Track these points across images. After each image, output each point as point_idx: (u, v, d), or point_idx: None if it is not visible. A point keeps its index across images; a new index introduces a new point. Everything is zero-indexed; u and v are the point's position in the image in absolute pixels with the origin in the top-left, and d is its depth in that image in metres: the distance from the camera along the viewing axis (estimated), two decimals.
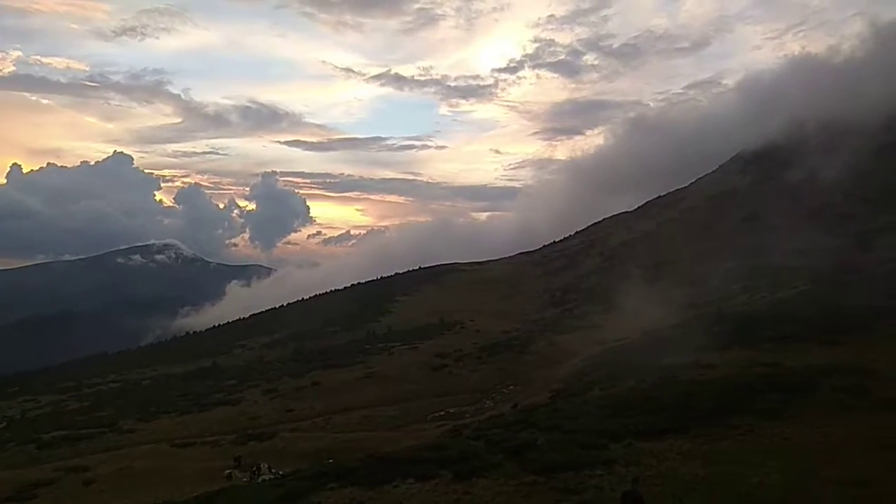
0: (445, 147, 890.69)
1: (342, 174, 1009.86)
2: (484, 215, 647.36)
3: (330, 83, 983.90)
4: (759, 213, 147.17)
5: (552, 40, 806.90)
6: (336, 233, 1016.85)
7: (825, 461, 33.77)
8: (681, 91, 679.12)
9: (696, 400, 43.30)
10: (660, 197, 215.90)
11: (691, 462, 35.41)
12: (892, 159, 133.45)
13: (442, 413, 74.56)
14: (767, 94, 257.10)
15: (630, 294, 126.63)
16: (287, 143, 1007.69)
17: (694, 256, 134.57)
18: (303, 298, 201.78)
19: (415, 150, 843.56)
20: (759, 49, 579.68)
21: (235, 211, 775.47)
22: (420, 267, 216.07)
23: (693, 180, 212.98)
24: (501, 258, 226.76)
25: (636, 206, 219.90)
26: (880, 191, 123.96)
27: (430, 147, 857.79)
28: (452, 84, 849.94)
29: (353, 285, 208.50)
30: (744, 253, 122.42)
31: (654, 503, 29.86)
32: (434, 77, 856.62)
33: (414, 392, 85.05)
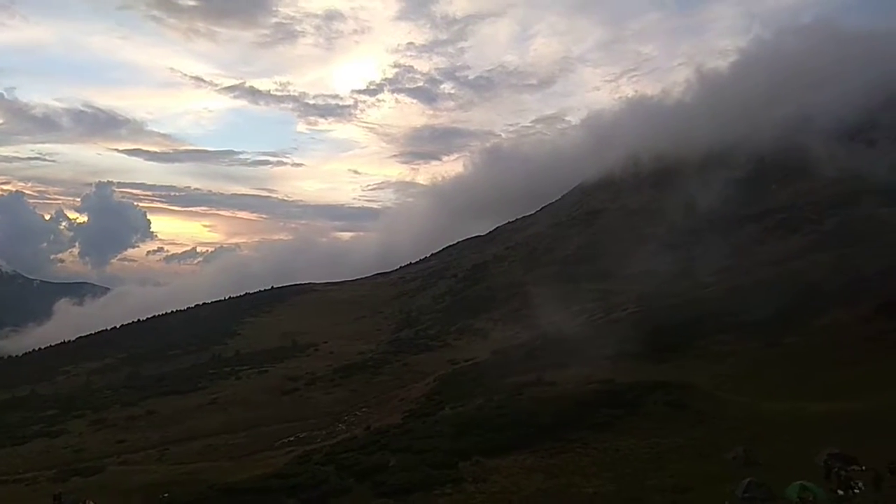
0: (302, 165, 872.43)
1: (188, 187, 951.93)
2: (347, 235, 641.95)
3: (178, 91, 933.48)
4: (597, 240, 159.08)
5: (412, 67, 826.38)
6: (180, 249, 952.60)
7: (651, 470, 36.95)
8: (529, 124, 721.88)
9: (538, 416, 45.64)
10: (510, 223, 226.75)
11: (534, 476, 37.22)
12: (714, 192, 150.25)
13: (292, 439, 72.19)
14: (607, 130, 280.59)
15: (480, 315, 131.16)
16: (127, 151, 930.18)
17: (538, 280, 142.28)
18: (139, 319, 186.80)
19: (270, 166, 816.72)
20: (599, 90, 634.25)
21: (64, 223, 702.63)
22: (273, 287, 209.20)
23: (540, 208, 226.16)
24: (358, 279, 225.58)
25: (488, 231, 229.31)
26: (702, 220, 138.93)
27: (286, 164, 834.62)
28: (311, 102, 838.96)
29: (198, 305, 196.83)
30: (582, 276, 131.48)
31: None
32: (292, 93, 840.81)
33: (262, 418, 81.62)
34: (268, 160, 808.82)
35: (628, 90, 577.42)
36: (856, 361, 54.82)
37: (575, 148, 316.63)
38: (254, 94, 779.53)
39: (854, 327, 63.39)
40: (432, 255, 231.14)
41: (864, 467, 30.71)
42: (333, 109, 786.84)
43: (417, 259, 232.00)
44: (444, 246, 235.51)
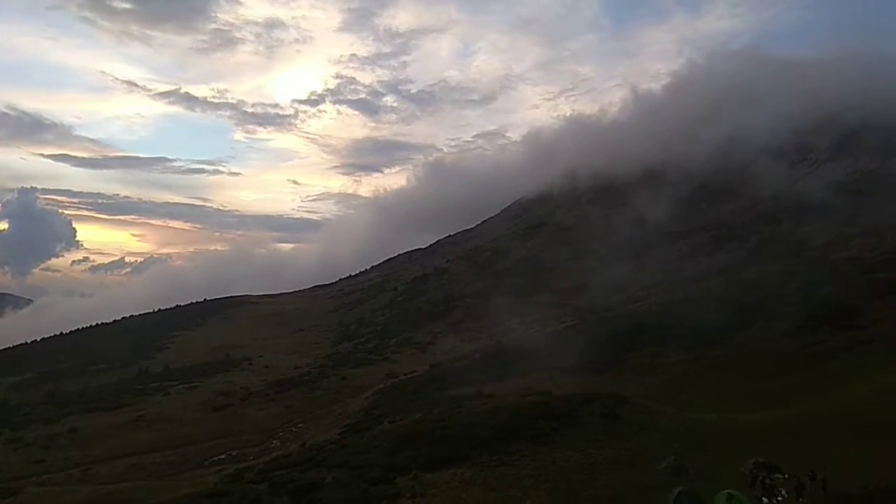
0: (240, 174, 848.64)
1: (117, 195, 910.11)
2: (287, 246, 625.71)
3: (109, 96, 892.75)
4: (535, 254, 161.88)
5: (354, 78, 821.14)
6: (107, 259, 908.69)
7: (587, 481, 37.49)
8: (471, 139, 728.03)
9: (477, 429, 45.73)
10: (451, 236, 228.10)
11: (472, 489, 37.17)
12: (648, 209, 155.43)
13: (223, 456, 69.94)
14: (547, 147, 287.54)
15: (420, 328, 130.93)
16: (53, 156, 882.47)
17: (478, 293, 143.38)
18: (62, 332, 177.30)
19: (205, 174, 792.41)
20: (538, 108, 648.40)
21: None
22: (205, 299, 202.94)
23: (480, 222, 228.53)
24: (296, 291, 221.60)
25: (429, 244, 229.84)
26: (636, 236, 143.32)
27: (222, 172, 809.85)
28: (249, 110, 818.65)
29: (125, 318, 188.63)
30: (521, 290, 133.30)
31: None
32: (230, 101, 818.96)
33: (192, 435, 78.69)
34: (203, 168, 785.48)
35: (566, 109, 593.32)
36: (778, 373, 57.48)
37: (515, 163, 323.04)
38: (189, 100, 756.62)
39: (777, 340, 66.55)
40: (373, 267, 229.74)
41: (786, 475, 32.01)
42: (273, 118, 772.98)
43: (358, 272, 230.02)
44: (385, 258, 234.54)
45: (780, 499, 28.57)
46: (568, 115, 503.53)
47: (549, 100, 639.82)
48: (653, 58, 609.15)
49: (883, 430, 36.74)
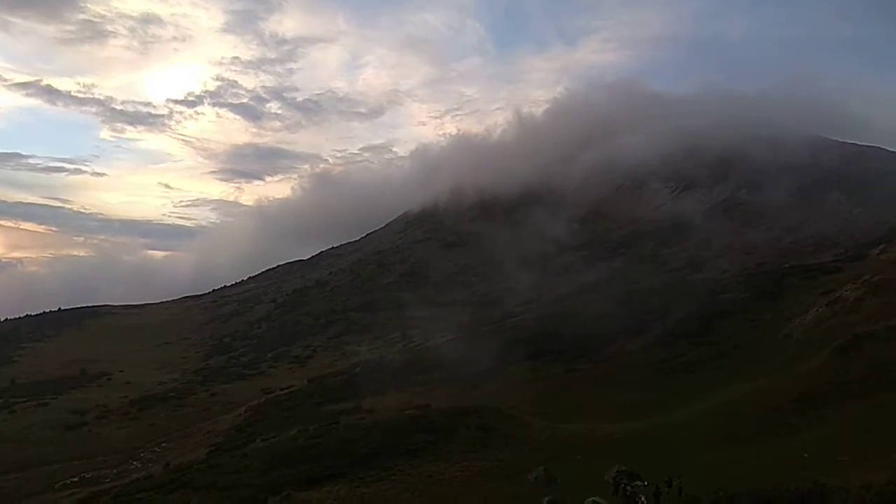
0: (104, 175, 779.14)
1: None
2: (160, 254, 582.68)
3: None
4: (418, 269, 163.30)
5: (236, 82, 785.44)
6: None
7: (462, 493, 38.11)
8: (357, 152, 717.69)
9: (354, 445, 45.19)
10: (334, 248, 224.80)
11: None
12: (525, 228, 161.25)
13: (75, 479, 64.13)
14: (433, 163, 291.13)
15: (299, 342, 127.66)
16: None
17: (360, 306, 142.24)
18: None
19: (65, 173, 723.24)
20: (425, 125, 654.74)
21: None
22: (60, 308, 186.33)
23: (364, 235, 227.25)
24: (164, 302, 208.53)
25: (311, 256, 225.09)
26: (514, 253, 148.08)
27: (84, 172, 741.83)
28: (118, 107, 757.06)
29: None
30: (403, 304, 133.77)
31: None
32: (96, 96, 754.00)
33: (40, 456, 71.48)
34: (63, 167, 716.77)
35: (452, 127, 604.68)
36: (640, 386, 61.47)
37: (402, 178, 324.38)
38: (51, 93, 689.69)
39: (639, 355, 71.27)
40: (250, 278, 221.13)
41: (646, 482, 34.20)
42: (144, 118, 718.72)
43: (234, 282, 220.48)
44: (264, 269, 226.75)
45: None
46: (454, 133, 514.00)
47: (436, 118, 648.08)
48: (534, 84, 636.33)
49: (732, 439, 40.33)
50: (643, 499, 31.48)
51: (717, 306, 76.47)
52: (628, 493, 32.50)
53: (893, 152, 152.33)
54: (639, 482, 34.85)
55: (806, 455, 33.18)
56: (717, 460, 36.00)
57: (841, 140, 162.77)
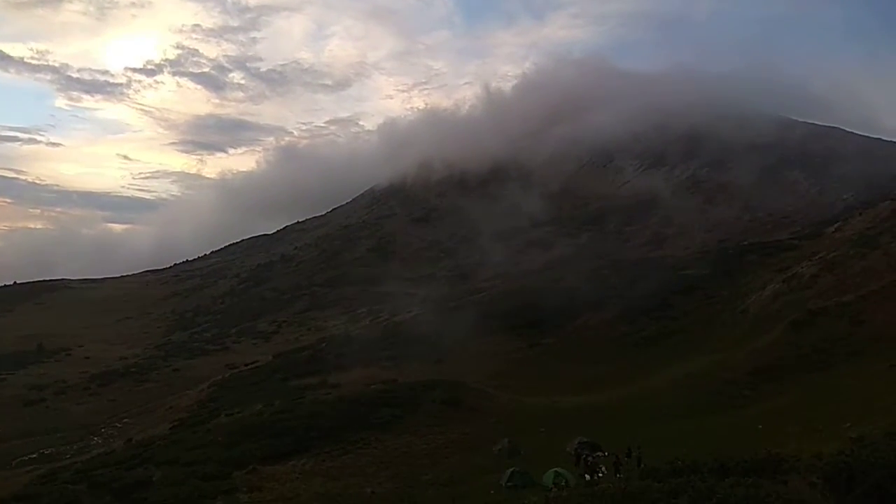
0: (61, 145, 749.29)
1: None
2: (120, 227, 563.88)
3: None
4: (385, 244, 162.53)
5: (197, 50, 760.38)
6: None
7: (427, 465, 38.52)
8: (323, 125, 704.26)
9: (320, 419, 45.19)
10: (299, 223, 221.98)
11: (313, 480, 36.69)
12: (492, 204, 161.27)
13: (34, 455, 63.00)
14: (401, 138, 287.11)
15: (264, 317, 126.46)
16: None
17: (326, 281, 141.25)
18: None
19: (19, 143, 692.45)
20: (392, 99, 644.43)
21: None
22: (15, 282, 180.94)
23: (331, 209, 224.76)
24: (124, 276, 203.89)
25: (276, 230, 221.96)
26: (481, 229, 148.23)
27: (40, 142, 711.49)
28: (75, 75, 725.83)
29: None
30: (369, 280, 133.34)
31: None
32: (51, 63, 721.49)
33: None
34: (16, 136, 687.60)
35: (419, 101, 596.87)
36: (602, 360, 62.74)
37: (369, 152, 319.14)
38: (3, 59, 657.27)
39: (600, 329, 72.59)
40: (213, 252, 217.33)
41: (606, 453, 35.12)
42: (102, 86, 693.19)
43: (196, 256, 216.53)
44: (227, 243, 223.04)
45: (600, 475, 31.25)
46: (422, 107, 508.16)
47: (404, 91, 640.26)
48: (502, 59, 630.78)
49: (690, 411, 41.48)
50: (604, 469, 32.31)
51: (678, 282, 77.98)
52: (589, 463, 33.36)
53: (851, 133, 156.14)
54: (599, 453, 35.80)
55: (760, 426, 34.31)
56: (676, 431, 37.03)
57: (803, 120, 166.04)
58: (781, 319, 54.29)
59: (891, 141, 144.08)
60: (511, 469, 33.59)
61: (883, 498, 9.54)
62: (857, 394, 35.07)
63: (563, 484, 29.74)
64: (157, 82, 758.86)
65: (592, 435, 38.58)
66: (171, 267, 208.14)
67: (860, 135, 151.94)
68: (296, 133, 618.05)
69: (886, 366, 37.62)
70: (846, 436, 23.50)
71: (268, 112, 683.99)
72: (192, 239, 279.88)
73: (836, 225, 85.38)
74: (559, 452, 36.95)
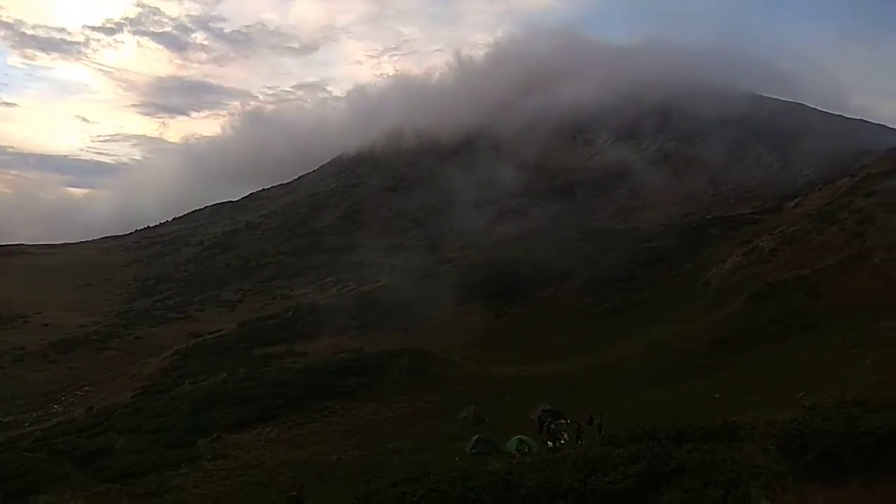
0: (15, 105, 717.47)
1: None
2: (80, 192, 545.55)
3: None
4: (353, 213, 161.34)
5: (158, 9, 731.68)
6: None
7: (393, 433, 38.82)
8: (290, 89, 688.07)
9: (286, 387, 45.08)
10: (265, 190, 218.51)
11: (278, 447, 36.71)
12: (464, 174, 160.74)
13: None
14: (371, 105, 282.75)
15: (229, 286, 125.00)
16: None
17: (292, 250, 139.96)
18: None
19: None
20: (361, 65, 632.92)
21: None
22: None
23: (298, 177, 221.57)
24: (83, 242, 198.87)
25: (241, 197, 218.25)
26: (451, 199, 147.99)
27: None
28: (29, 32, 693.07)
29: None
30: (337, 249, 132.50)
31: (241, 493, 30.13)
32: (4, 19, 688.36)
33: None
34: None
35: (389, 68, 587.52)
36: (567, 329, 63.67)
37: (337, 119, 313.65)
38: None
39: (566, 300, 73.58)
40: (175, 219, 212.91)
41: (569, 421, 35.83)
42: (58, 44, 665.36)
43: (158, 223, 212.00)
44: (191, 210, 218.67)
45: (562, 441, 31.90)
46: (392, 74, 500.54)
47: (373, 57, 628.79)
48: (474, 27, 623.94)
49: (651, 380, 42.44)
50: (565, 436, 32.98)
51: (643, 255, 79.19)
52: (552, 430, 34.02)
53: (815, 109, 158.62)
54: (562, 420, 36.52)
55: (718, 395, 35.30)
56: (637, 399, 37.89)
57: (772, 96, 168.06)
58: (741, 292, 55.60)
59: (856, 118, 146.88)
60: (476, 436, 34.07)
61: (833, 463, 9.85)
62: (812, 365, 36.22)
63: (526, 451, 30.28)
64: (116, 41, 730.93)
65: (556, 403, 39.29)
66: (132, 233, 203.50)
67: (826, 112, 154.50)
68: (261, 97, 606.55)
69: (841, 338, 38.84)
70: (800, 404, 24.30)
71: (232, 75, 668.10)
72: (155, 205, 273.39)
73: (795, 200, 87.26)
74: (523, 420, 37.59)
